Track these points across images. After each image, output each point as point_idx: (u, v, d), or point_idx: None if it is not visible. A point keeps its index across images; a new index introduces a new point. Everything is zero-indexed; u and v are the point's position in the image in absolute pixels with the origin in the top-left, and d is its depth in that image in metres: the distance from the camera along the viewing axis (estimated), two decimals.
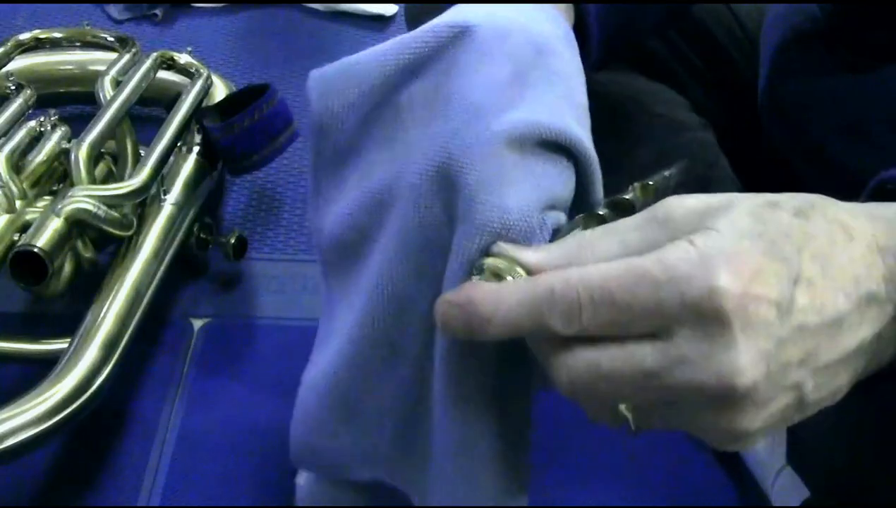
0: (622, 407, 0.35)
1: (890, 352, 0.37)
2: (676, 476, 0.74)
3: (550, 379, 0.36)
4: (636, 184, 0.40)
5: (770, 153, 0.66)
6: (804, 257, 0.33)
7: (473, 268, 0.38)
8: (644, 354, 0.33)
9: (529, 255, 0.37)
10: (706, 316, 0.32)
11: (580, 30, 0.49)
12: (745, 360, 0.32)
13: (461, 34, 0.40)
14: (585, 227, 0.39)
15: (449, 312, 0.36)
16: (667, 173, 0.42)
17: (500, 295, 0.35)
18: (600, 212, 0.39)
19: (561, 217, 0.40)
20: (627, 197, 0.40)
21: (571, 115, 0.40)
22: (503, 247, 0.37)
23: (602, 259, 0.35)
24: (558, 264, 0.36)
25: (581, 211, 0.40)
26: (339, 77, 0.42)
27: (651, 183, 0.41)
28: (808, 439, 0.59)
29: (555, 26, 0.43)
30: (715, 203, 0.35)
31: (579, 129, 0.40)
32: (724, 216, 0.34)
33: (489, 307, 0.35)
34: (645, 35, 0.65)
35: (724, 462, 0.74)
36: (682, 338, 0.33)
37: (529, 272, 0.36)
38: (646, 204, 0.39)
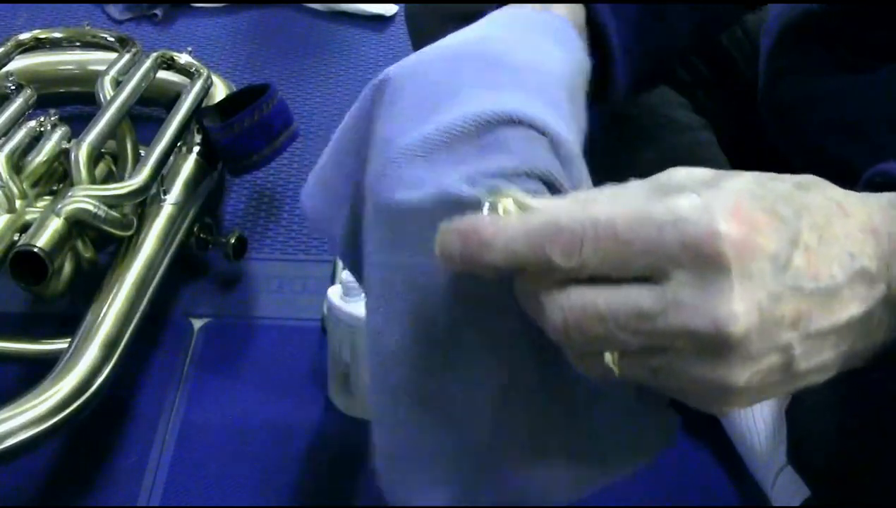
0: (607, 357, 0.35)
1: (880, 336, 0.37)
2: (677, 475, 0.74)
3: (542, 323, 0.36)
4: None
5: (770, 153, 0.66)
6: (803, 224, 0.34)
7: (488, 198, 0.37)
8: (640, 295, 0.34)
9: (537, 200, 0.37)
10: (705, 259, 0.33)
11: (601, 52, 0.50)
12: (740, 307, 0.33)
13: (378, 88, 0.43)
14: None
15: (448, 237, 0.36)
16: None
17: (504, 223, 0.36)
18: None
19: (537, 187, 0.39)
20: None
21: (520, 101, 0.40)
22: (514, 191, 0.37)
23: None
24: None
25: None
26: (319, 192, 0.47)
27: None
28: (808, 439, 0.59)
29: (527, 32, 0.44)
30: (719, 173, 0.36)
31: (519, 109, 0.40)
32: (729, 179, 0.35)
33: (490, 233, 0.35)
34: (672, 62, 0.66)
35: (724, 463, 0.74)
36: (679, 282, 0.33)
37: None
38: None
